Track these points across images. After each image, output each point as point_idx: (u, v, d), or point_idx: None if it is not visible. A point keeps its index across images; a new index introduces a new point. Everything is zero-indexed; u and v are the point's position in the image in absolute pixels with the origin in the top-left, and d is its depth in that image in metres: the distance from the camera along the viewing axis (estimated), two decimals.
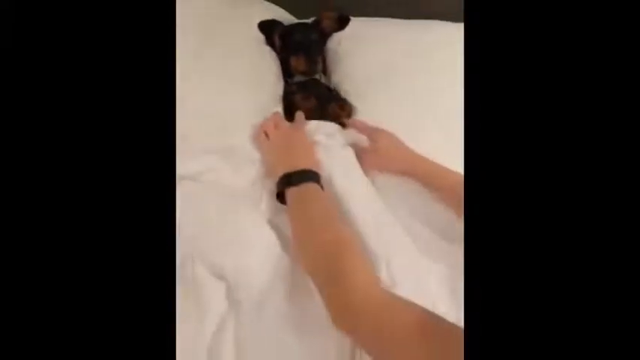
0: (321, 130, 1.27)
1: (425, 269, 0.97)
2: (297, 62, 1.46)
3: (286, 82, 1.49)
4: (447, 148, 1.15)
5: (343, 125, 1.36)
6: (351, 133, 1.29)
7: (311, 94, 1.40)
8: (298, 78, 1.49)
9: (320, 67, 1.49)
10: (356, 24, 1.55)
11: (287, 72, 1.50)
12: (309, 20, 1.56)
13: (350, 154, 1.24)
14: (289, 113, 1.36)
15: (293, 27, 1.52)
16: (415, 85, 1.43)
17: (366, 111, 1.40)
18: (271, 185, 1.07)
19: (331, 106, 1.41)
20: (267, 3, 1.59)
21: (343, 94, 1.48)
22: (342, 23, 1.54)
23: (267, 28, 1.47)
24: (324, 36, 1.54)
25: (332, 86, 1.52)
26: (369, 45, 1.51)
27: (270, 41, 1.48)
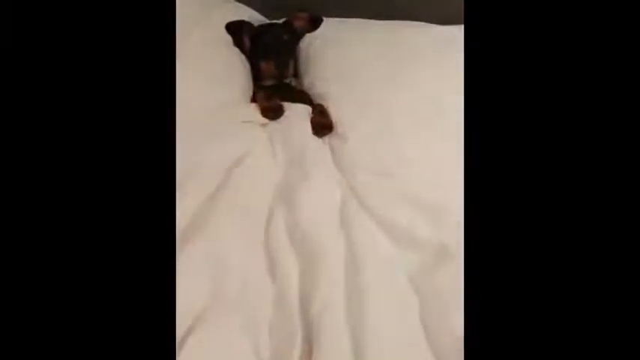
0: None
1: None
2: (267, 66, 1.41)
3: (256, 86, 1.45)
4: (418, 148, 1.16)
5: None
6: None
7: (277, 96, 1.35)
8: (269, 82, 1.44)
9: (291, 70, 1.44)
10: (328, 24, 1.50)
11: (257, 76, 1.46)
12: (281, 21, 1.50)
13: None
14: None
15: (263, 28, 1.47)
16: (388, 86, 1.39)
17: (336, 113, 1.36)
18: None
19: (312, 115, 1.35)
20: (237, 3, 1.54)
21: (315, 98, 1.43)
22: (314, 24, 1.50)
23: (235, 29, 1.41)
24: (296, 37, 1.50)
25: (304, 89, 1.48)
26: (341, 46, 1.46)
27: (238, 43, 1.43)
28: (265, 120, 1.30)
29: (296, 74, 1.49)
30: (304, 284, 0.93)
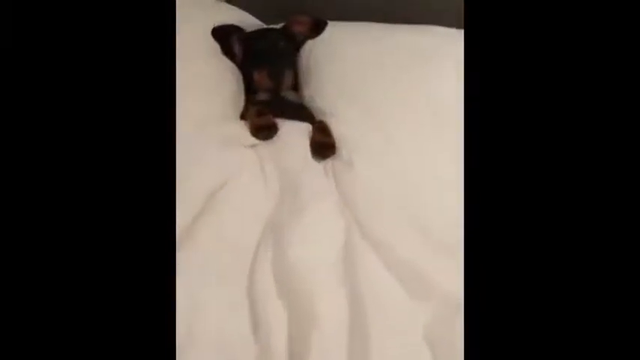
0: None
1: None
2: (261, 77, 1.22)
3: (248, 100, 1.26)
4: (430, 171, 1.04)
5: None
6: None
7: (270, 112, 1.16)
8: (263, 95, 1.25)
9: (289, 81, 1.25)
10: (333, 29, 1.31)
11: (249, 88, 1.27)
12: (278, 26, 1.32)
13: None
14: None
15: (257, 34, 1.28)
16: (397, 99, 1.20)
17: (340, 131, 1.16)
18: None
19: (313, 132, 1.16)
20: (229, 5, 1.35)
21: (316, 113, 1.24)
22: (317, 29, 1.30)
23: (223, 34, 1.23)
24: (296, 44, 1.30)
25: (304, 103, 1.28)
26: (347, 54, 1.27)
27: (227, 50, 1.24)
28: (255, 140, 1.10)
29: (296, 87, 1.30)
30: (294, 347, 0.77)
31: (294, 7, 1.37)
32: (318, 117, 1.23)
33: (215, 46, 1.22)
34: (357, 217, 1.00)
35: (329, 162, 1.12)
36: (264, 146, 1.10)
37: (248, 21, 1.33)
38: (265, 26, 1.35)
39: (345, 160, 1.11)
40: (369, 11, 1.36)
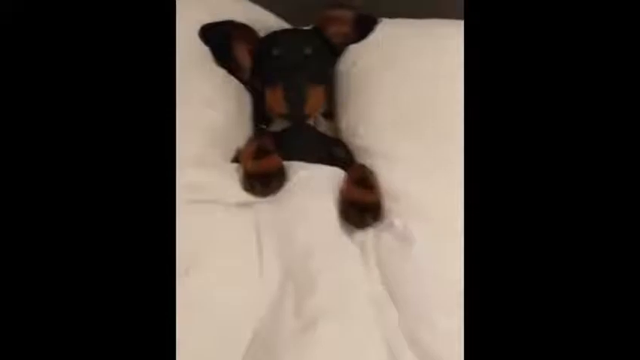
0: None
1: None
2: (274, 97, 0.80)
3: (258, 130, 0.86)
4: None
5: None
6: None
7: (281, 149, 0.75)
8: (279, 125, 0.84)
9: (317, 104, 0.83)
10: (387, 29, 0.87)
11: (260, 113, 0.86)
12: (309, 27, 0.91)
13: None
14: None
15: (274, 36, 0.87)
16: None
17: (391, 182, 0.73)
18: None
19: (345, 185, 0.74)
20: (245, 1, 0.96)
21: (357, 154, 0.81)
22: (363, 28, 0.87)
23: (219, 36, 0.84)
24: (331, 51, 0.88)
25: (339, 137, 0.86)
26: (408, 66, 0.82)
27: (225, 59, 0.84)
28: (250, 196, 0.69)
29: (330, 113, 0.88)
30: None
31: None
32: (359, 159, 0.80)
33: (205, 54, 0.82)
34: (411, 331, 0.60)
35: (370, 235, 0.68)
36: (263, 207, 0.68)
37: (263, 19, 0.92)
38: (289, 27, 0.94)
39: (399, 234, 0.67)
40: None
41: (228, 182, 0.69)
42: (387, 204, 0.71)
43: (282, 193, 0.69)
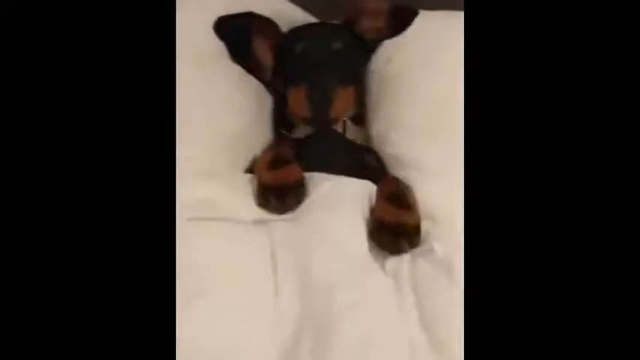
0: None
1: None
2: (297, 98, 0.71)
3: (279, 136, 0.77)
4: None
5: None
6: None
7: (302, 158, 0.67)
8: (302, 130, 0.75)
9: (346, 107, 0.73)
10: (427, 23, 0.76)
11: (282, 117, 0.77)
12: (338, 22, 0.81)
13: None
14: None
15: (298, 32, 0.78)
16: None
17: (430, 199, 0.64)
18: None
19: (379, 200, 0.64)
20: None
21: (390, 165, 0.71)
22: (399, 21, 0.76)
23: (236, 30, 0.75)
24: (363, 48, 0.78)
25: (370, 146, 0.76)
26: (453, 65, 0.69)
27: (243, 56, 0.75)
28: (265, 212, 0.59)
29: (360, 118, 0.78)
30: None
31: None
32: (392, 171, 0.70)
33: (220, 50, 0.73)
34: None
35: (405, 262, 0.57)
36: (278, 226, 0.59)
37: (288, 13, 0.83)
38: (316, 21, 0.85)
39: (441, 262, 0.56)
40: None
41: (240, 196, 0.60)
42: (425, 224, 0.61)
43: (301, 210, 0.59)
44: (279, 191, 0.59)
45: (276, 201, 0.59)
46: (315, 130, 0.73)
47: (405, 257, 0.58)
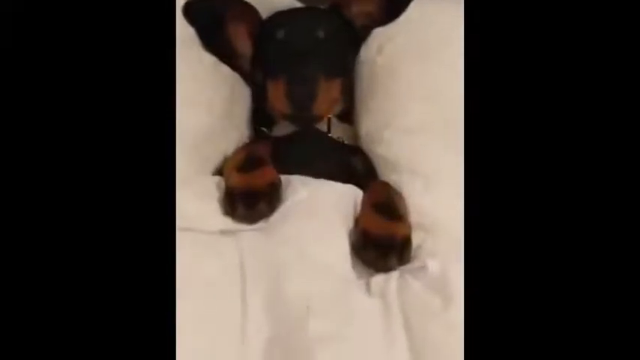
0: None
1: None
2: (276, 92, 0.64)
3: (257, 134, 0.70)
4: None
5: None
6: None
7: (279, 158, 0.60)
8: (283, 128, 0.67)
9: (332, 102, 0.66)
10: (422, 8, 0.69)
11: (260, 113, 0.70)
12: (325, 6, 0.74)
13: None
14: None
15: (280, 17, 0.71)
16: None
17: (425, 208, 0.58)
18: None
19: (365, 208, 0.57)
20: None
21: (380, 168, 0.64)
22: (392, 7, 0.69)
23: (208, 15, 0.67)
24: (352, 35, 0.71)
25: (359, 145, 0.68)
26: (444, 53, 0.64)
27: (216, 44, 0.68)
28: (234, 222, 0.52)
29: (347, 115, 0.71)
30: None
31: None
32: (382, 175, 0.63)
33: (191, 36, 0.66)
34: None
35: (393, 279, 0.50)
36: (248, 237, 0.51)
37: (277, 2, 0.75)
38: (301, 5, 0.77)
39: (434, 282, 0.49)
40: None
41: (207, 203, 0.52)
42: (418, 237, 0.54)
43: (275, 219, 0.52)
44: (248, 197, 0.52)
45: (244, 208, 0.51)
46: (297, 127, 0.66)
47: (394, 275, 0.50)
